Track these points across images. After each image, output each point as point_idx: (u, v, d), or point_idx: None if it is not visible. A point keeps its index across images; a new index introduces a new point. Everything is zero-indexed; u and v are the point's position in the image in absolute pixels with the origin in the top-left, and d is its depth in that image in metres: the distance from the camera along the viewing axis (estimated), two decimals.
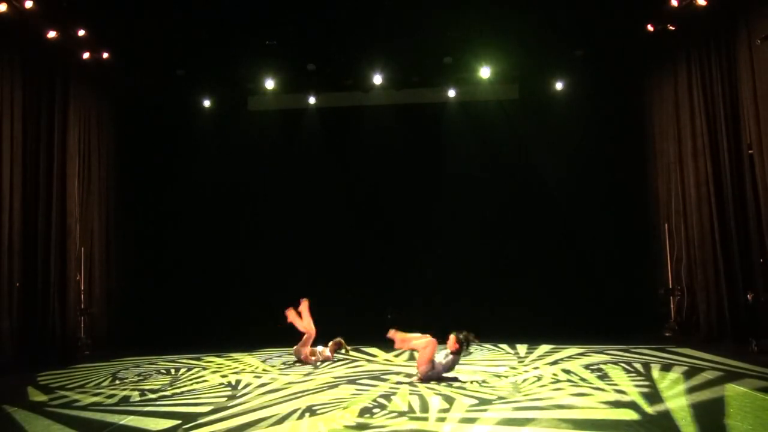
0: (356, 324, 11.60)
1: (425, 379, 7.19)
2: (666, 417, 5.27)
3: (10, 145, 9.34)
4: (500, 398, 6.18)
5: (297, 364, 8.93)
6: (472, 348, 9.89)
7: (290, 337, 11.44)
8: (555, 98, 12.44)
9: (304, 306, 9.31)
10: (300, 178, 13.13)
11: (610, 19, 10.56)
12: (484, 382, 7.11)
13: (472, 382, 7.11)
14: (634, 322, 11.34)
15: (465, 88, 12.48)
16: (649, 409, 5.52)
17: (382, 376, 7.73)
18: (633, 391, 6.27)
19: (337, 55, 11.58)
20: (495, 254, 12.35)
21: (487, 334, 10.71)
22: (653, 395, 6.09)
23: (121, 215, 12.49)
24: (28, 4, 8.79)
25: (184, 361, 9.64)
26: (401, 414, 5.70)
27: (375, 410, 5.88)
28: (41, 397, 7.19)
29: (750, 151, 8.87)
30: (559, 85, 12.31)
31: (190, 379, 7.99)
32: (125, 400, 6.88)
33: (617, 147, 12.39)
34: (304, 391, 6.90)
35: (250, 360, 9.56)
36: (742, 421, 5.04)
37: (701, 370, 7.32)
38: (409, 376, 7.70)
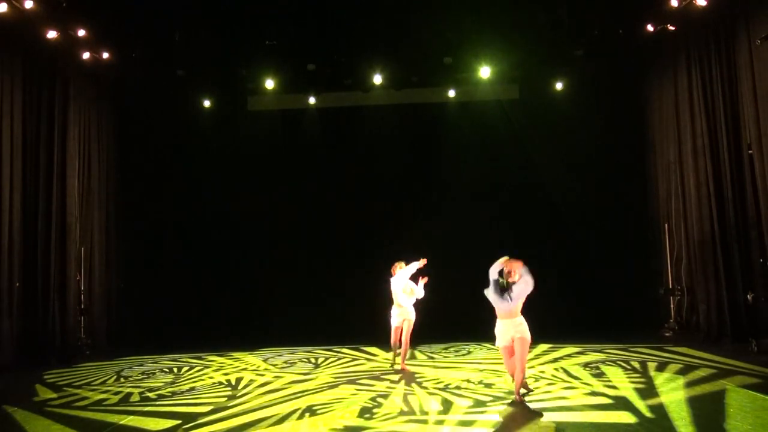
0: (356, 324, 11.61)
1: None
2: (664, 418, 5.27)
3: (10, 144, 9.35)
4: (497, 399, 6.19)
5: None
6: (472, 348, 9.92)
7: (289, 336, 11.48)
8: (555, 98, 12.44)
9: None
10: (300, 178, 13.12)
11: (610, 19, 10.55)
12: (480, 382, 7.10)
13: (469, 381, 7.11)
14: (633, 321, 11.33)
15: (465, 88, 12.47)
16: (647, 411, 5.53)
17: (381, 376, 7.74)
18: (632, 392, 6.27)
19: (337, 55, 11.57)
20: (494, 254, 12.30)
21: (486, 333, 10.72)
22: (651, 395, 6.10)
23: (121, 215, 12.50)
24: (28, 4, 8.80)
25: (186, 359, 9.65)
26: (400, 414, 5.71)
27: (375, 410, 5.89)
28: (50, 395, 7.22)
29: (750, 151, 8.87)
30: (559, 85, 12.30)
31: (191, 378, 8.00)
32: (131, 398, 6.90)
33: (617, 147, 12.38)
34: (304, 391, 6.91)
35: (251, 359, 9.56)
36: (742, 421, 5.04)
37: (700, 369, 7.32)
38: (408, 375, 7.70)
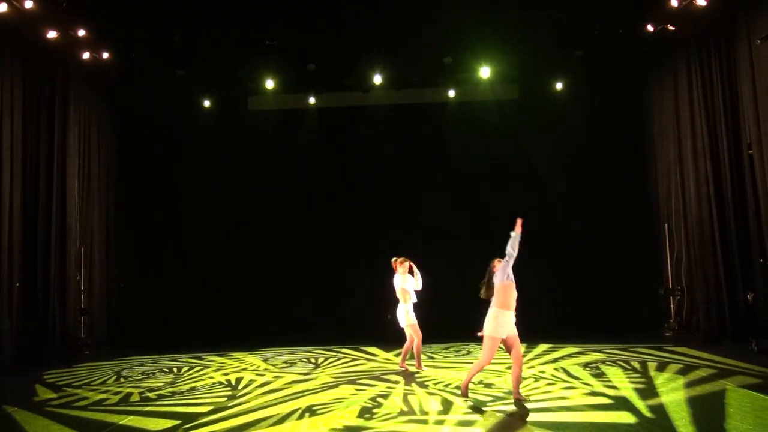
0: (356, 324, 11.61)
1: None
2: (665, 418, 5.27)
3: (10, 145, 9.36)
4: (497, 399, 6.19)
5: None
6: (472, 348, 9.92)
7: (289, 336, 11.48)
8: (555, 98, 12.44)
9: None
10: (300, 178, 13.12)
11: (610, 19, 10.56)
12: (480, 382, 7.09)
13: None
14: (634, 321, 11.33)
15: (465, 88, 12.47)
16: (647, 411, 5.52)
17: (381, 376, 7.74)
18: (632, 392, 6.27)
19: (337, 55, 11.57)
20: (494, 253, 12.31)
21: None
22: (651, 395, 6.10)
23: (121, 215, 12.51)
24: (28, 4, 8.80)
25: (186, 359, 9.65)
26: (400, 414, 5.71)
27: (375, 410, 5.89)
28: (50, 395, 7.22)
29: (750, 151, 8.87)
30: (559, 85, 12.31)
31: (191, 378, 7.99)
32: (131, 398, 6.90)
33: (617, 147, 12.39)
34: (304, 391, 6.91)
35: (251, 359, 9.56)
36: (742, 421, 5.04)
37: (700, 369, 7.32)
38: (407, 375, 7.71)
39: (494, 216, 12.51)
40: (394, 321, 8.29)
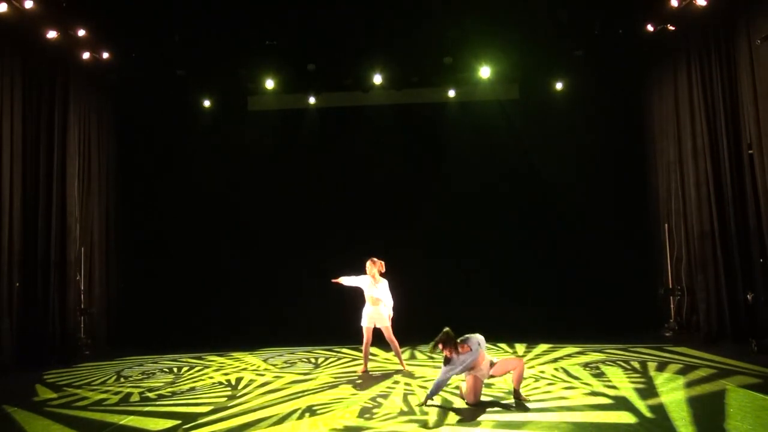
0: (355, 324, 11.59)
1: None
2: (665, 418, 5.27)
3: (10, 144, 9.35)
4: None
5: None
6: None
7: (288, 336, 11.48)
8: (555, 98, 12.44)
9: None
10: (300, 178, 13.11)
11: (610, 18, 10.56)
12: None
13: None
14: (633, 321, 11.33)
15: (465, 88, 12.47)
16: (647, 411, 5.53)
17: (381, 376, 7.73)
18: (632, 392, 6.27)
19: (337, 55, 11.57)
20: (494, 254, 12.35)
21: (485, 333, 10.72)
22: (651, 395, 6.10)
23: (121, 215, 12.51)
24: (28, 4, 8.80)
25: (186, 359, 9.65)
26: (400, 414, 5.71)
27: (375, 410, 5.89)
28: (50, 395, 7.23)
29: (750, 151, 8.87)
30: (559, 85, 12.31)
31: (191, 378, 8.00)
32: (131, 398, 6.90)
33: (617, 147, 12.39)
34: (304, 391, 6.91)
35: (251, 359, 9.57)
36: (742, 421, 5.05)
37: (700, 369, 7.32)
38: (409, 375, 7.72)
39: (493, 215, 12.61)
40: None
